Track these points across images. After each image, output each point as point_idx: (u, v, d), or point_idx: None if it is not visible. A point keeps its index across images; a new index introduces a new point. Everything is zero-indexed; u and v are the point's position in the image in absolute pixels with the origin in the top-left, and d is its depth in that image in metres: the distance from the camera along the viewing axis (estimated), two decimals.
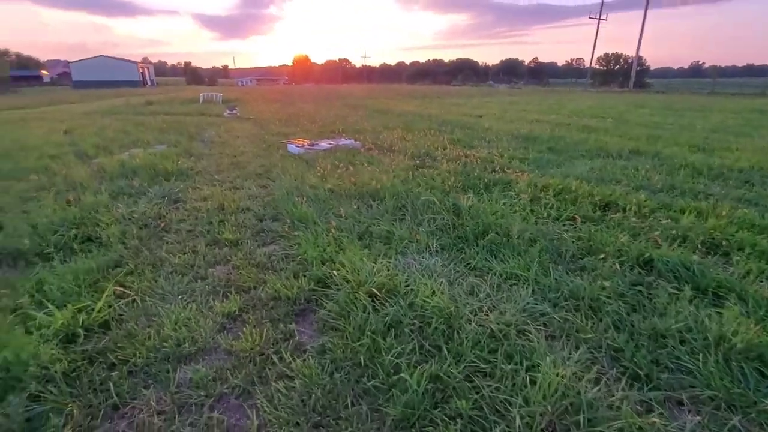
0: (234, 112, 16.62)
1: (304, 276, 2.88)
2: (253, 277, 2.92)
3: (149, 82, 67.62)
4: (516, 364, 1.95)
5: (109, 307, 2.42)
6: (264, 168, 6.37)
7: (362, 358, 1.98)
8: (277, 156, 7.24)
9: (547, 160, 6.74)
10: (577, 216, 4.02)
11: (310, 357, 2.05)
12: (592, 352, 2.13)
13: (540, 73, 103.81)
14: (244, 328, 2.30)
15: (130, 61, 65.87)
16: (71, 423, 1.65)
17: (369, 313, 2.31)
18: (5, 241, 3.27)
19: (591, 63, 55.61)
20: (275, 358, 2.05)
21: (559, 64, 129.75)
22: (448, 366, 1.89)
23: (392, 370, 1.89)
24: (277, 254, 3.33)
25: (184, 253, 3.33)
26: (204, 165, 6.61)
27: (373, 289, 2.52)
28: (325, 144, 8.07)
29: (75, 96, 33.11)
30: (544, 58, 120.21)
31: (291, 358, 2.04)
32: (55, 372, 1.87)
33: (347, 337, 2.16)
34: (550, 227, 3.77)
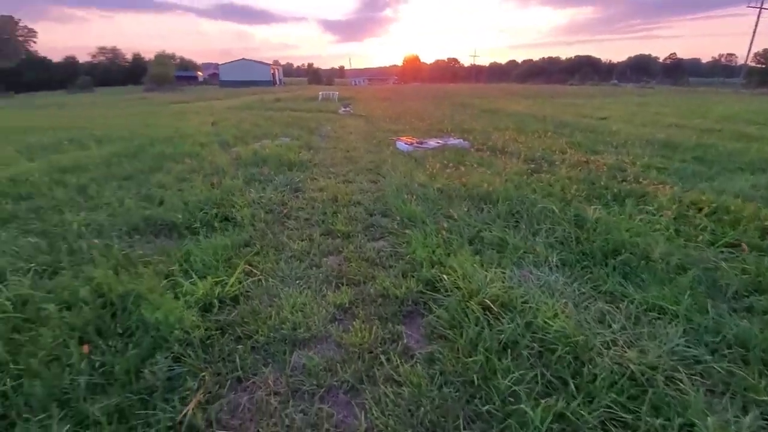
0: (348, 109, 17.56)
1: (413, 276, 2.83)
2: (363, 272, 2.96)
3: (278, 82, 75.60)
4: (666, 419, 1.61)
5: (239, 283, 2.67)
6: (374, 164, 6.55)
7: (475, 377, 1.84)
8: (387, 152, 7.38)
9: (694, 171, 5.67)
10: (742, 243, 3.26)
11: (418, 364, 1.98)
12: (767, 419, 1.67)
13: (677, 71, 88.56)
14: (354, 323, 2.33)
15: (264, 63, 74.54)
16: (203, 388, 1.83)
17: (482, 328, 2.14)
18: (165, 214, 3.87)
19: (747, 60, 45.68)
20: (383, 359, 2.03)
21: (704, 60, 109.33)
22: (578, 406, 1.64)
23: (509, 398, 1.71)
24: (386, 251, 3.34)
25: (302, 240, 3.55)
26: (321, 158, 7.06)
27: (487, 301, 2.34)
28: (433, 142, 7.99)
29: (221, 93, 38.66)
30: (683, 54, 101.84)
31: (399, 362, 1.99)
32: (194, 338, 2.11)
33: (458, 350, 2.03)
34: (703, 253, 3.12)
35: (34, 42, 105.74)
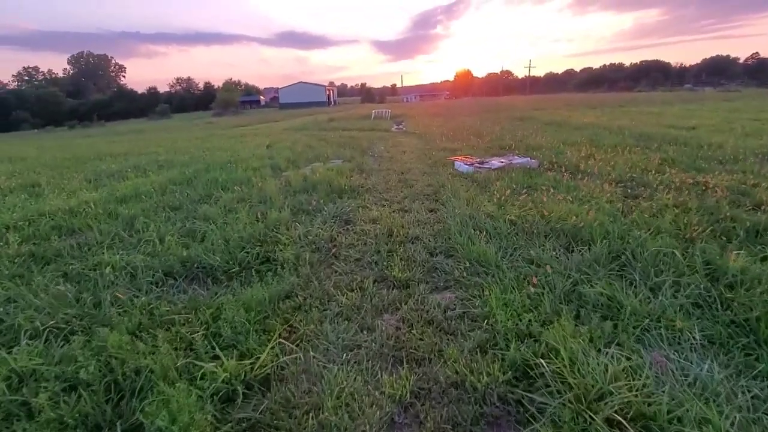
0: (401, 126, 17.19)
1: (496, 355, 2.12)
2: (427, 342, 2.31)
3: (333, 102, 78.21)
4: None
5: (273, 358, 2.13)
6: (432, 188, 5.91)
7: None
8: (445, 174, 6.72)
9: None
10: None
11: None
12: None
13: (763, 73, 78.75)
14: None
15: (319, 85, 77.61)
16: None
17: None
18: (204, 254, 3.50)
19: None
20: None
21: None
22: None
23: None
24: (455, 309, 2.67)
25: (352, 290, 2.98)
26: (373, 182, 6.56)
27: (617, 416, 1.58)
28: (495, 162, 7.20)
29: (280, 116, 40.43)
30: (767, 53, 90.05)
31: None
32: None
33: None
34: None
35: (124, 76, 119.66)
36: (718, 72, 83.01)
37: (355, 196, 5.67)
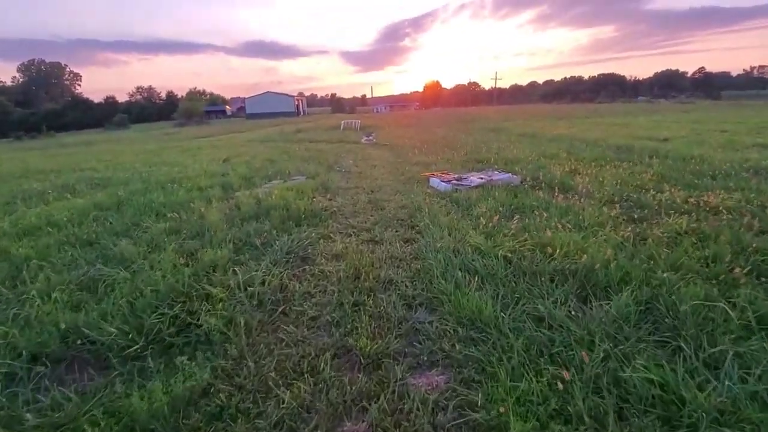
0: (371, 138, 16.47)
1: None
2: None
3: (302, 112, 76.82)
4: None
5: None
6: (406, 211, 5.14)
7: None
8: (420, 193, 5.97)
9: None
10: None
11: None
12: None
13: (708, 86, 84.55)
14: None
15: (288, 95, 76.10)
16: None
17: None
18: (98, 321, 2.53)
19: None
20: None
21: (734, 74, 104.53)
22: None
23: None
24: (446, 408, 1.86)
25: (301, 375, 2.12)
26: (339, 203, 5.72)
27: None
28: (475, 178, 6.54)
29: (245, 126, 38.88)
30: (712, 68, 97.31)
31: None
32: None
33: None
34: None
35: (79, 85, 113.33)
36: (668, 85, 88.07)
37: (317, 222, 4.80)
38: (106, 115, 77.10)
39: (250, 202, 5.44)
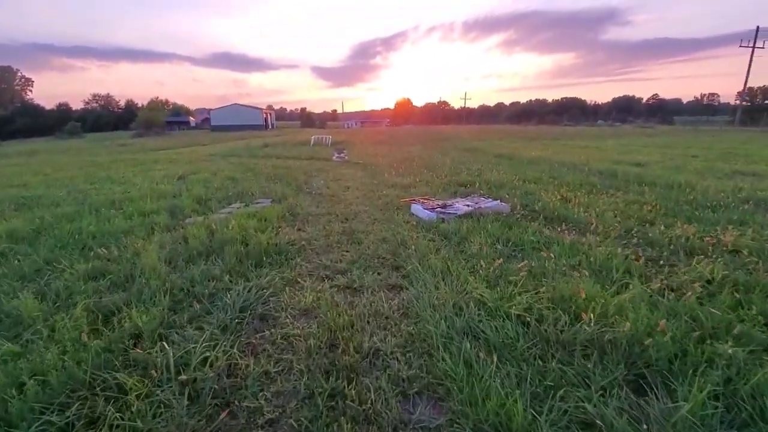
0: (342, 155, 15.76)
1: None
2: None
3: (271, 126, 75.19)
4: None
5: None
6: (388, 246, 4.41)
7: None
8: (401, 223, 5.29)
9: None
10: None
11: None
12: None
13: (661, 111, 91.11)
14: None
15: (256, 108, 74.35)
16: None
17: None
18: None
19: (742, 97, 46.02)
20: None
21: (685, 101, 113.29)
22: None
23: None
24: None
25: None
26: (309, 234, 4.92)
27: None
28: (460, 205, 5.94)
29: (209, 139, 37.14)
30: (664, 95, 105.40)
31: None
32: None
33: None
34: None
35: (31, 90, 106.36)
36: (625, 110, 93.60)
37: (282, 261, 3.98)
38: (59, 122, 72.42)
39: (201, 234, 4.54)
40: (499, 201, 6.08)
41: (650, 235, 4.34)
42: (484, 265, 3.53)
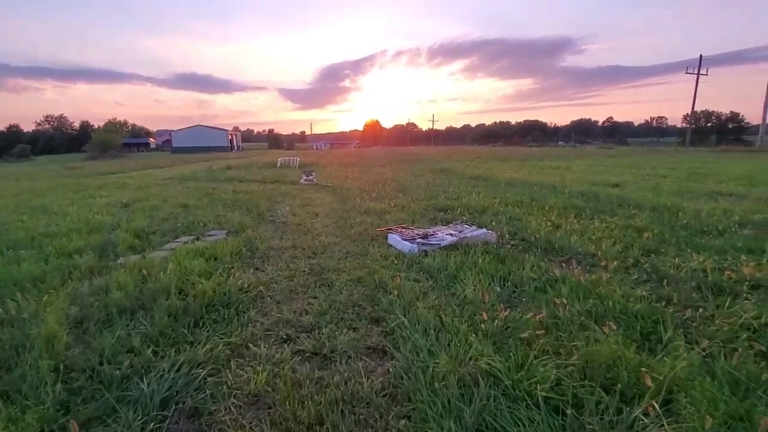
0: (311, 178, 14.97)
1: None
2: None
3: (236, 147, 73.32)
4: None
5: None
6: (364, 290, 3.66)
7: None
8: (378, 258, 4.57)
9: None
10: None
11: None
12: None
13: (615, 133, 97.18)
14: None
15: (221, 129, 72.35)
16: None
17: None
18: None
19: (689, 120, 49.39)
20: None
21: (636, 123, 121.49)
22: None
23: None
24: None
25: None
26: (269, 276, 4.09)
27: None
28: (444, 235, 5.30)
29: (168, 161, 35.30)
30: (618, 118, 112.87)
31: None
32: None
33: None
34: None
35: None
36: (583, 132, 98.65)
37: (231, 317, 3.13)
38: (7, 145, 67.70)
39: (129, 283, 3.62)
40: (485, 229, 5.48)
41: (662, 268, 3.83)
42: (485, 317, 2.84)
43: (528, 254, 4.50)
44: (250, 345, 2.73)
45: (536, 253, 4.55)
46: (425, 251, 4.74)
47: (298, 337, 2.85)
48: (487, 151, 42.03)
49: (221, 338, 2.78)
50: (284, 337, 2.87)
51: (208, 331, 2.88)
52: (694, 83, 41.36)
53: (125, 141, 68.60)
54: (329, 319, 3.10)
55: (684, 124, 68.74)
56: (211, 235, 5.71)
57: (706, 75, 41.33)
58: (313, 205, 8.78)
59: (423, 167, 18.86)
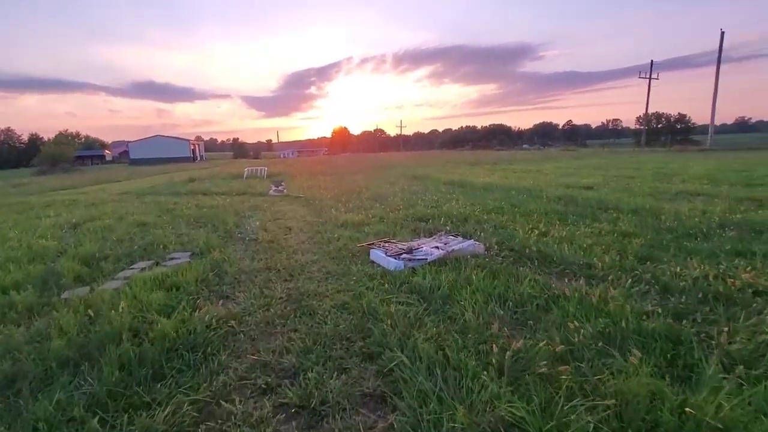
0: (281, 188, 14.38)
1: None
2: None
3: (199, 157, 70.74)
4: None
5: None
6: (352, 319, 3.27)
7: None
8: (363, 277, 4.19)
9: None
10: None
11: None
12: None
13: (575, 135, 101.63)
14: None
15: (182, 139, 69.57)
16: None
17: None
18: None
19: (643, 122, 52.17)
20: None
21: (593, 126, 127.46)
22: None
23: None
24: None
25: None
26: (241, 306, 3.61)
27: None
28: (428, 248, 5.00)
29: (125, 174, 33.38)
30: (577, 121, 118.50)
31: None
32: None
33: None
34: None
35: None
36: (545, 135, 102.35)
37: (198, 364, 2.65)
38: None
39: (73, 325, 3.05)
40: (472, 240, 5.21)
41: (662, 277, 3.67)
42: (494, 348, 2.52)
43: (521, 266, 4.26)
44: (222, 401, 2.27)
45: (529, 265, 4.31)
46: (412, 268, 4.41)
47: (280, 386, 2.42)
48: (457, 155, 42.56)
49: (186, 394, 2.31)
50: (263, 386, 2.43)
51: (169, 385, 2.40)
52: (647, 87, 43.72)
53: (78, 153, 64.77)
54: (315, 359, 2.68)
55: (638, 126, 72.69)
56: (172, 259, 5.13)
57: (657, 79, 43.82)
58: (285, 218, 8.27)
59: (396, 174, 18.63)
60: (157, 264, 4.94)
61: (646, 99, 44.60)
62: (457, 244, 5.17)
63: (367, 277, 4.23)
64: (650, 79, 43.08)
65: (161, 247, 5.77)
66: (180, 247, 5.79)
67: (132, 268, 4.76)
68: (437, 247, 5.06)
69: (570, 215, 6.77)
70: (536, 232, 5.62)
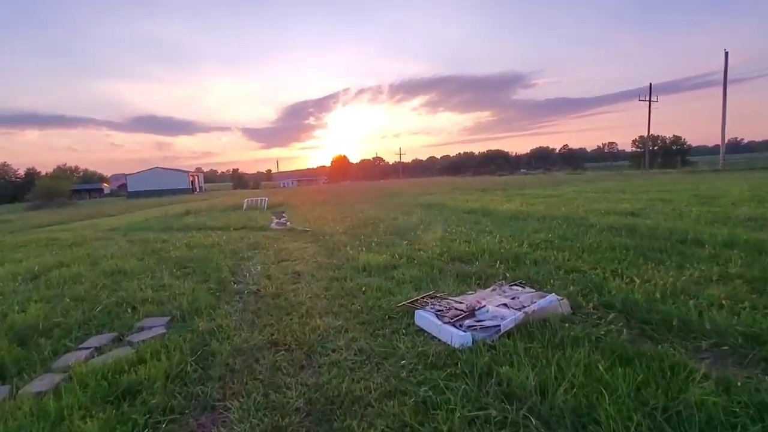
0: (283, 221, 13.11)
1: None
2: None
3: (199, 189, 69.96)
4: None
5: None
6: None
7: None
8: (416, 360, 2.82)
9: None
10: None
11: None
12: None
13: (573, 159, 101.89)
14: None
15: (181, 170, 69.04)
16: None
17: None
18: None
19: (643, 144, 51.77)
20: None
21: (589, 149, 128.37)
22: None
23: None
24: None
25: None
26: (236, 428, 2.22)
27: None
28: (498, 308, 3.64)
29: (121, 207, 32.20)
30: (573, 145, 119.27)
31: None
32: None
33: None
34: None
35: None
36: (542, 159, 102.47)
37: None
38: None
39: None
40: (553, 295, 3.83)
41: None
42: None
43: (648, 340, 2.89)
44: None
45: (657, 337, 2.95)
46: (480, 337, 3.05)
47: None
48: (461, 181, 41.63)
49: None
50: None
51: None
52: (641, 111, 43.61)
53: (75, 187, 63.85)
54: None
55: (634, 149, 72.78)
56: (142, 330, 3.73)
57: (657, 101, 43.64)
58: (291, 259, 6.92)
59: (404, 202, 17.38)
60: (120, 339, 3.55)
61: (647, 121, 44.41)
62: (531, 299, 3.81)
63: (425, 362, 2.85)
64: (650, 101, 42.88)
65: (131, 307, 4.38)
66: (157, 307, 4.40)
67: (81, 348, 3.37)
68: (506, 305, 3.71)
69: (646, 251, 5.45)
70: (625, 277, 4.27)
